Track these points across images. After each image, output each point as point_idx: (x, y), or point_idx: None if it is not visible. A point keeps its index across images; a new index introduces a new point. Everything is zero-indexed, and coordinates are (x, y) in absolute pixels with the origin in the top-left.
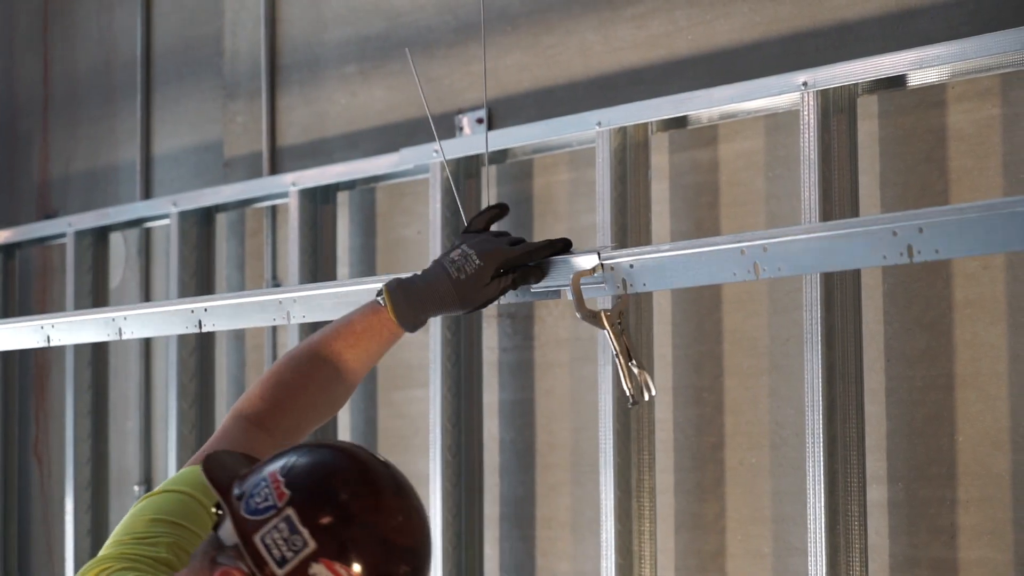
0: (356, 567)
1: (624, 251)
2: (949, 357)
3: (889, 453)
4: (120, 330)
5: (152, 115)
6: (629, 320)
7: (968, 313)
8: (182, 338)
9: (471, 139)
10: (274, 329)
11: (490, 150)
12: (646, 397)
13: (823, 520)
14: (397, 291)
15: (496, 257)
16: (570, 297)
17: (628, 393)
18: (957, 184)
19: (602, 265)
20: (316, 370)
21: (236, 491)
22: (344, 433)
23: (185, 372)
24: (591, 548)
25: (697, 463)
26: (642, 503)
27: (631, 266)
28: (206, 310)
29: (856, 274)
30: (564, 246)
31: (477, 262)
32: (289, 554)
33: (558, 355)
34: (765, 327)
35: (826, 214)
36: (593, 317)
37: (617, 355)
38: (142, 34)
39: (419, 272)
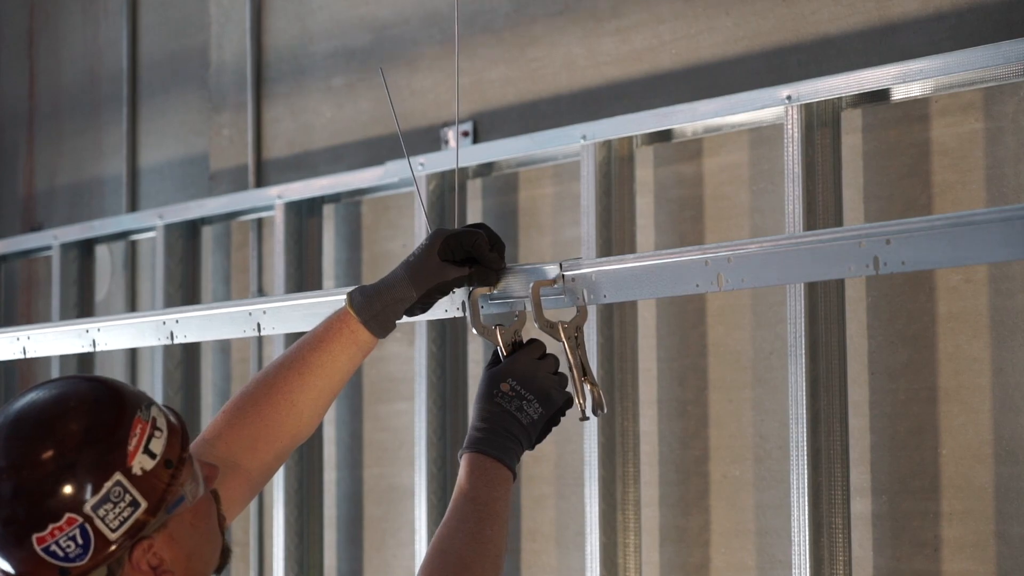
0: None
1: (586, 261)
2: (932, 370)
3: (873, 466)
4: (94, 341)
5: (138, 127)
6: (617, 333)
7: (951, 326)
8: (168, 350)
9: (455, 152)
10: (260, 341)
11: (475, 163)
12: (598, 414)
13: (807, 533)
14: (355, 291)
15: (440, 232)
16: (529, 308)
17: (579, 408)
18: (940, 198)
19: (563, 276)
20: (280, 379)
21: None
22: (329, 446)
23: (171, 384)
24: (576, 561)
25: (681, 476)
26: (627, 516)
27: (593, 277)
28: (177, 321)
29: (840, 287)
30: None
31: (425, 243)
32: None
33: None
34: (749, 340)
35: (810, 227)
36: (551, 328)
37: (571, 369)
38: (128, 47)
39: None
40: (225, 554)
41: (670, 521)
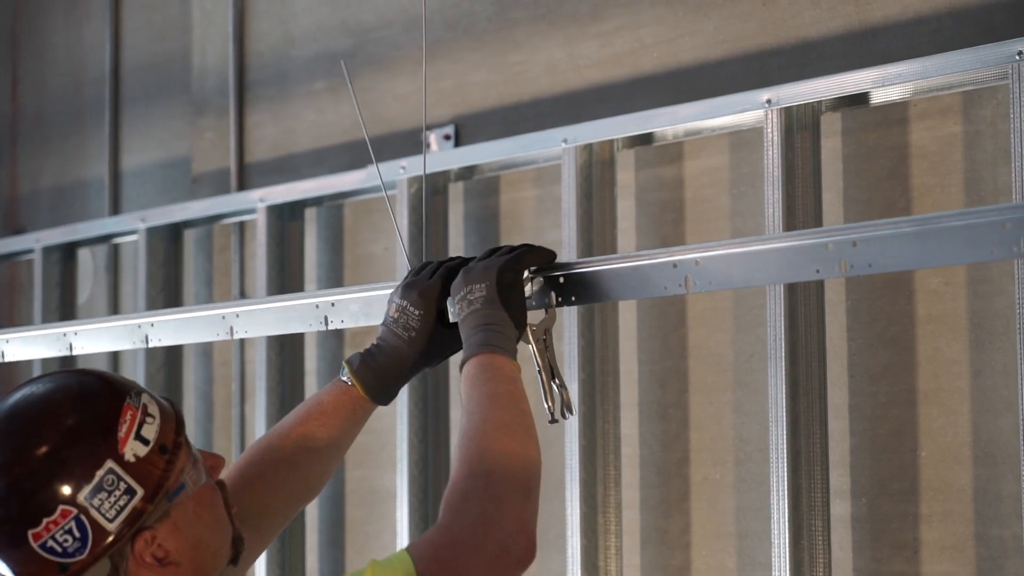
0: None
1: (554, 264)
2: (911, 373)
3: (852, 468)
4: (71, 345)
5: (120, 131)
6: (598, 336)
7: (930, 329)
8: (149, 353)
9: (437, 156)
10: (241, 345)
11: (456, 166)
12: (567, 416)
13: (787, 535)
14: (361, 369)
15: (429, 296)
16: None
17: (548, 410)
18: (919, 201)
19: (531, 278)
20: (289, 454)
21: None
22: None
23: (152, 387)
24: (557, 563)
25: (662, 478)
26: (608, 518)
27: (561, 280)
28: (152, 325)
29: (819, 290)
30: (461, 262)
31: (416, 312)
32: None
33: (524, 370)
34: (729, 343)
35: (790, 230)
36: None
37: (540, 371)
38: (110, 51)
39: (376, 342)
40: (237, 543)
41: (651, 523)
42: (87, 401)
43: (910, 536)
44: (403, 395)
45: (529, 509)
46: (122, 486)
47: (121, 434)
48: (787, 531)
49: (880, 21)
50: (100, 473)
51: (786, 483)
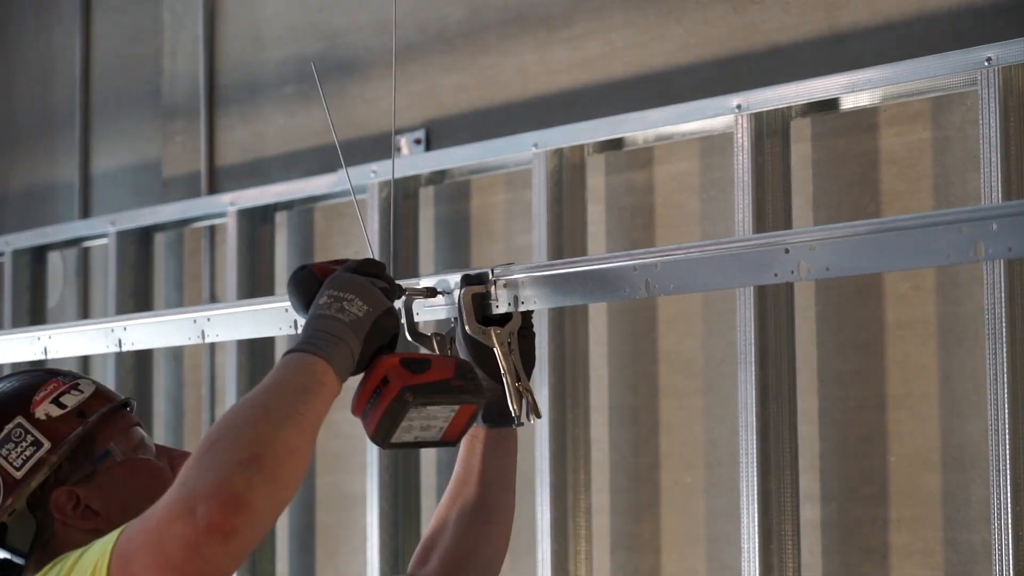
0: None
1: (516, 267)
2: (881, 378)
3: (822, 473)
4: (45, 349)
5: (91, 134)
6: (568, 340)
7: (899, 334)
8: (120, 356)
9: (407, 160)
10: (212, 349)
11: (427, 171)
12: (532, 420)
13: (757, 539)
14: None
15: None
16: (457, 314)
17: (514, 414)
18: (889, 206)
19: (495, 282)
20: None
21: None
22: None
23: (123, 390)
24: (527, 568)
25: (633, 483)
26: (578, 523)
27: (522, 283)
28: (125, 328)
29: (789, 295)
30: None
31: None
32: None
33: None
34: (700, 348)
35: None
36: (482, 333)
37: (505, 375)
38: (81, 54)
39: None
40: None
41: (621, 528)
42: (24, 379)
43: (880, 540)
44: None
45: (241, 481)
46: (28, 439)
47: (37, 398)
48: (757, 535)
49: (850, 27)
50: (8, 427)
51: (756, 487)
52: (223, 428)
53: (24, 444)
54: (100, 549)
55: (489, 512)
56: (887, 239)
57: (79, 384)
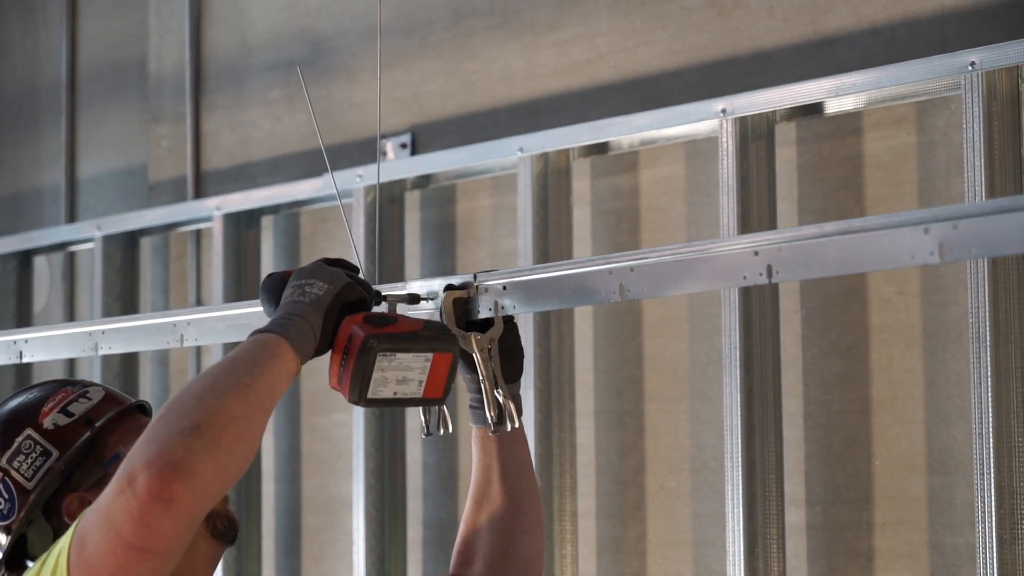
0: None
1: (497, 272)
2: (866, 382)
3: (807, 477)
4: (20, 353)
5: (77, 138)
6: (554, 345)
7: (884, 338)
8: (106, 360)
9: (393, 164)
10: (198, 352)
11: (413, 175)
12: (508, 427)
13: (742, 543)
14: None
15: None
16: (439, 318)
17: (490, 421)
18: (873, 210)
19: (476, 287)
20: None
21: None
22: (267, 457)
23: None
24: None
25: (619, 487)
26: (564, 527)
27: (504, 287)
28: (103, 333)
29: (774, 299)
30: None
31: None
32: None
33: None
34: (685, 352)
35: None
36: (463, 339)
37: (483, 381)
38: (67, 57)
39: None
40: (224, 520)
41: (607, 532)
42: (33, 392)
43: (864, 544)
44: None
45: (181, 448)
46: (38, 449)
47: (45, 408)
48: (742, 539)
49: (834, 31)
50: (19, 440)
51: (741, 491)
52: (170, 404)
53: (34, 455)
54: (67, 537)
55: (518, 505)
56: (852, 241)
57: (88, 391)
